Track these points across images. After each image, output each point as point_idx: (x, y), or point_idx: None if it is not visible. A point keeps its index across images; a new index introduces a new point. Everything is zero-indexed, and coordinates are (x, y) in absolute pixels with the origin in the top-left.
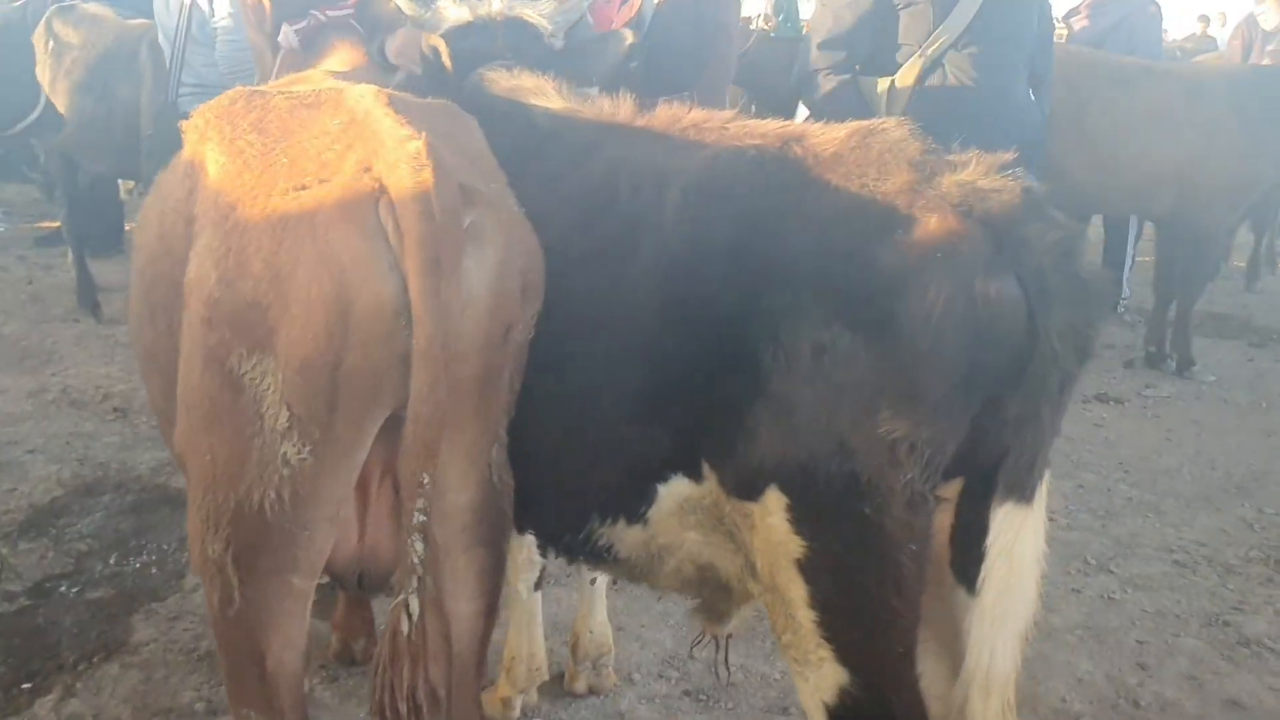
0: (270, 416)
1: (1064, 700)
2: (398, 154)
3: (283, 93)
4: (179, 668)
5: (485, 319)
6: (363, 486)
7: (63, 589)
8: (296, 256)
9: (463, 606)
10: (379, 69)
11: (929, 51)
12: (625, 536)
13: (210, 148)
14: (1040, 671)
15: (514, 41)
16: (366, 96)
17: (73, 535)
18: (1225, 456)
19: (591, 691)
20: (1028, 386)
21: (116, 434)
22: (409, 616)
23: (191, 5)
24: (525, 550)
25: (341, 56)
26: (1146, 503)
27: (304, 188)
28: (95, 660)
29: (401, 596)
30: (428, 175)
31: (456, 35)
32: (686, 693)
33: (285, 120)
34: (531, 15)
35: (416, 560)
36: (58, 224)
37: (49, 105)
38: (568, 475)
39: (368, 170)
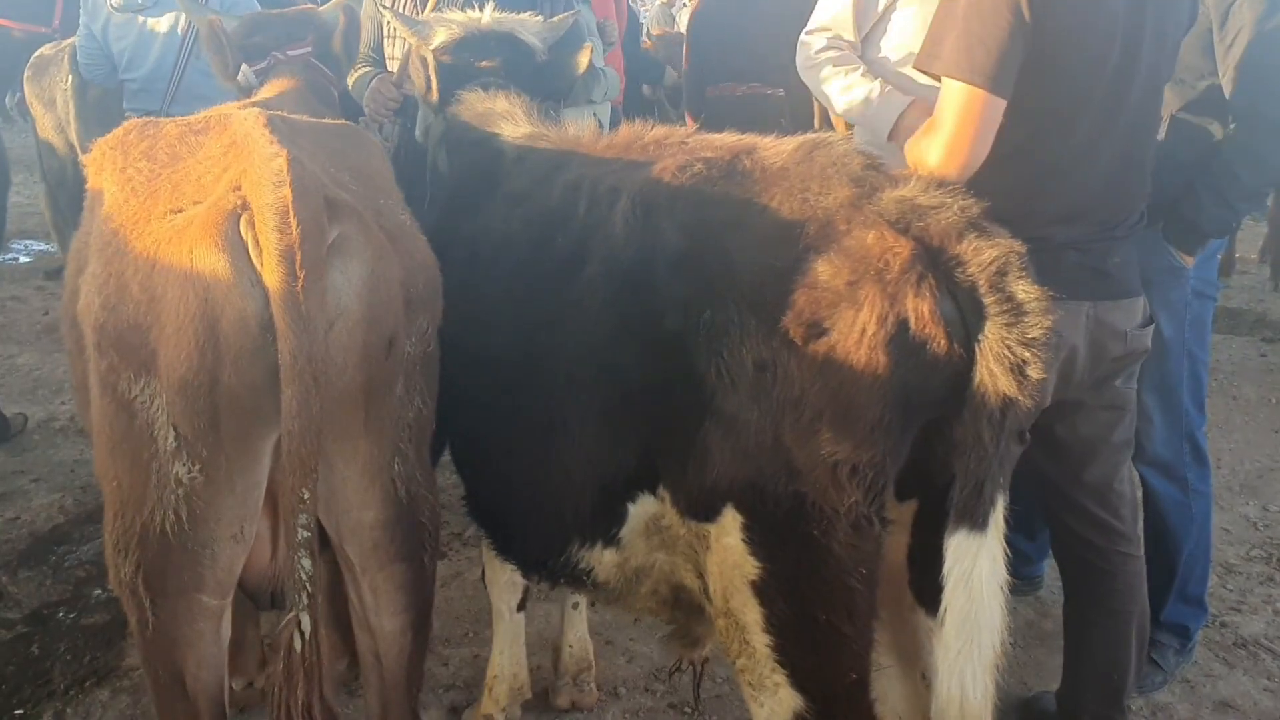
0: (161, 438)
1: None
2: (261, 171)
3: (176, 120)
4: None
5: (360, 331)
6: (274, 505)
7: (59, 615)
8: (168, 277)
9: (387, 622)
10: (306, 95)
11: None
12: (602, 559)
13: (106, 178)
14: (1031, 676)
15: (504, 55)
16: (249, 119)
17: (72, 562)
18: (1231, 453)
19: (574, 707)
20: (967, 409)
21: None
22: (301, 634)
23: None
24: (508, 572)
25: (272, 86)
26: None
27: (180, 210)
28: (87, 685)
29: (292, 614)
30: (286, 191)
31: (449, 49)
32: (672, 705)
33: (174, 147)
34: (522, 32)
35: (304, 577)
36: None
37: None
38: (544, 497)
39: (237, 189)
